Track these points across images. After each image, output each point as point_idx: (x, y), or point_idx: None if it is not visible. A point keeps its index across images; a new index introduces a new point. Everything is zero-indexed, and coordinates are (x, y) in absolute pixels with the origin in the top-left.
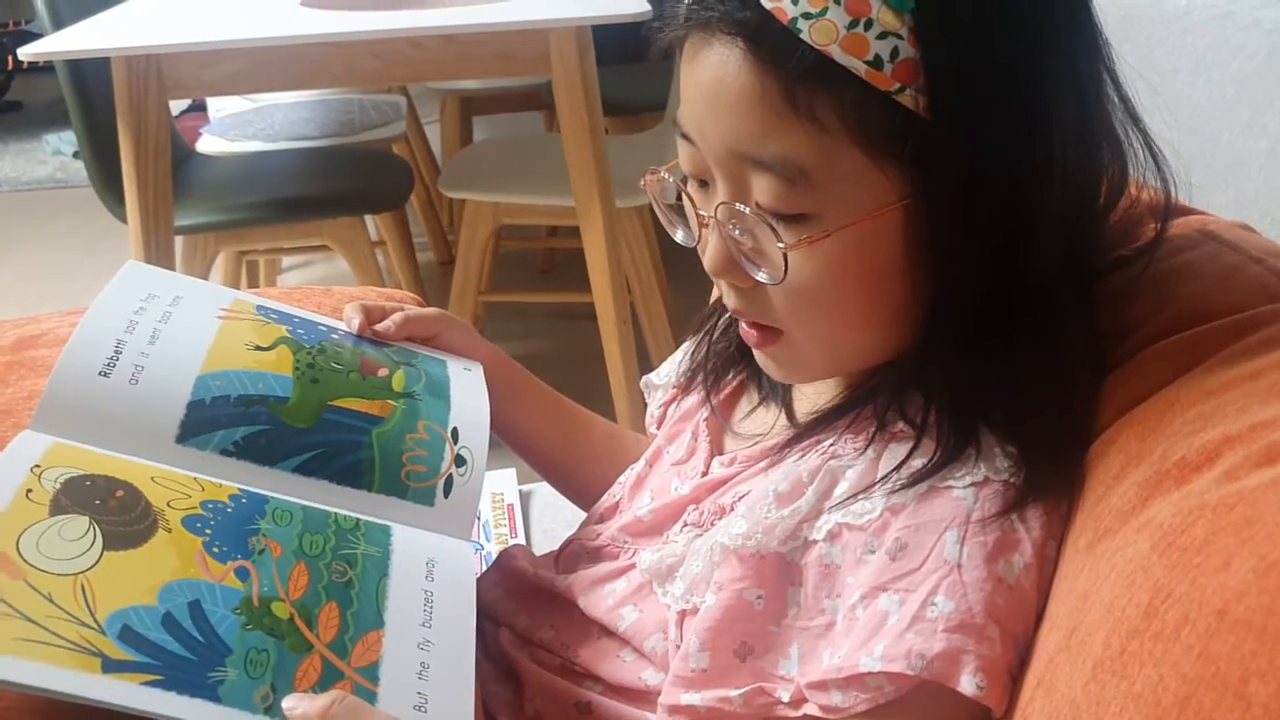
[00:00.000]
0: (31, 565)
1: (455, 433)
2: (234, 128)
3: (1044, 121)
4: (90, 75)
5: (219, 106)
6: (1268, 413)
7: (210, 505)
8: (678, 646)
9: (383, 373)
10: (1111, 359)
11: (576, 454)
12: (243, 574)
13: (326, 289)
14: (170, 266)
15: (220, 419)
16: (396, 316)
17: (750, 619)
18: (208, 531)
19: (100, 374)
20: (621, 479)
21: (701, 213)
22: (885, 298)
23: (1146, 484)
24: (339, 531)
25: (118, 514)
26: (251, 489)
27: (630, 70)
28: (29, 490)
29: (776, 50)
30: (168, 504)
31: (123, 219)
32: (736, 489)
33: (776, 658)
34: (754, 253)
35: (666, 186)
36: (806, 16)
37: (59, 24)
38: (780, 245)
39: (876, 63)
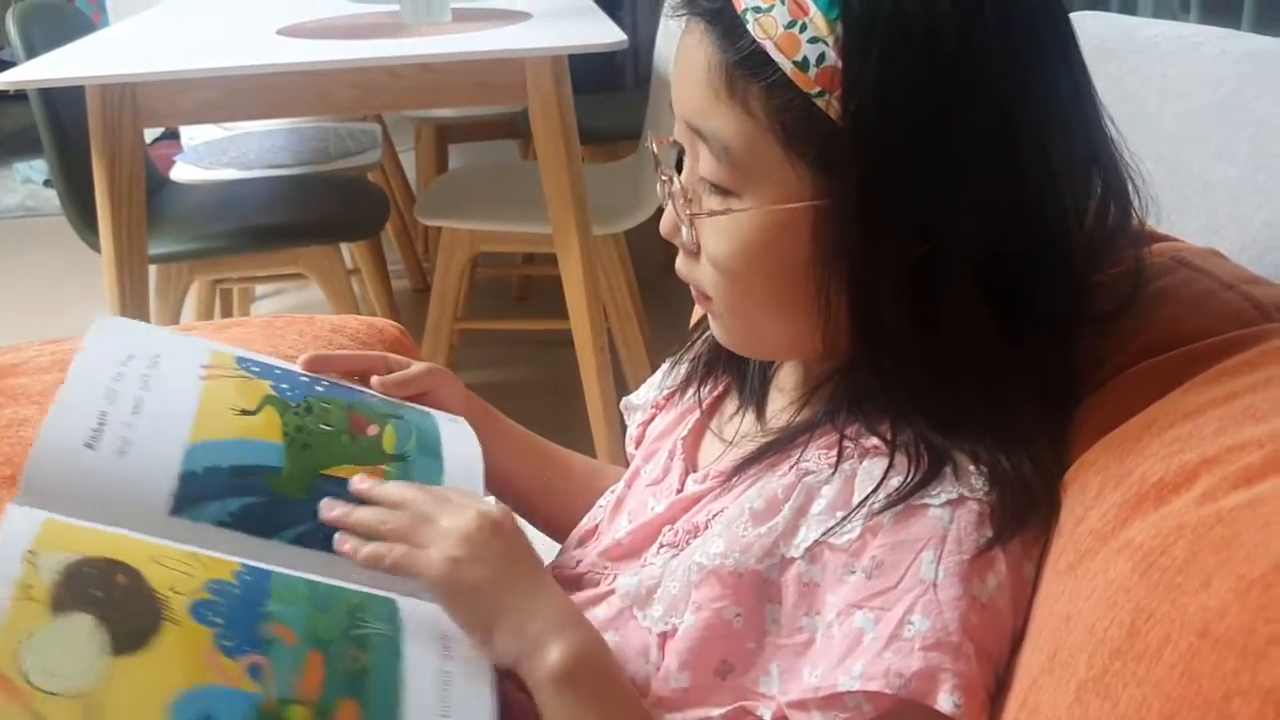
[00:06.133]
0: (37, 688)
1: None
2: (208, 156)
3: (969, 150)
4: (63, 104)
5: (192, 134)
6: (1243, 435)
7: (215, 586)
8: (659, 670)
9: (372, 430)
10: (1089, 383)
11: (556, 495)
12: (255, 672)
13: (309, 317)
14: (144, 296)
15: (215, 490)
16: (394, 376)
17: (730, 637)
18: (217, 620)
19: (86, 445)
20: (601, 501)
21: (663, 176)
22: (796, 294)
23: (1125, 505)
24: (349, 609)
25: (122, 605)
26: (252, 563)
27: (607, 99)
28: (28, 586)
29: (726, 36)
30: (171, 589)
31: (95, 248)
32: (710, 506)
33: (757, 675)
34: (686, 216)
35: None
36: (756, 10)
37: (32, 52)
38: (697, 211)
39: (803, 64)
